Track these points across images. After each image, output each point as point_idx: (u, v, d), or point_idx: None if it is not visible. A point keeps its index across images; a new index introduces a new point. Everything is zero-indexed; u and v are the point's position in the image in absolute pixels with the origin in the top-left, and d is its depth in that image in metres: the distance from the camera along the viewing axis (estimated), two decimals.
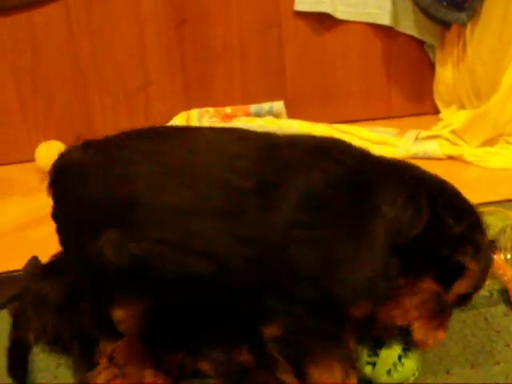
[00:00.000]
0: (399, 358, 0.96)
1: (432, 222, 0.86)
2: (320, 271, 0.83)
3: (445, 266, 0.86)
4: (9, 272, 1.51)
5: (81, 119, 2.39)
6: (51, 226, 1.78)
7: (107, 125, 2.40)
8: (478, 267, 0.89)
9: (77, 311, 1.06)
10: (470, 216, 0.92)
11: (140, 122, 2.40)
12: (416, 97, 2.44)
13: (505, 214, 1.28)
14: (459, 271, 0.88)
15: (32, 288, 1.19)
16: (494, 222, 1.20)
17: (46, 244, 1.61)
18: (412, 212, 0.85)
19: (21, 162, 2.34)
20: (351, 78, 2.43)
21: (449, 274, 0.88)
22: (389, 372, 0.97)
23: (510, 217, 1.27)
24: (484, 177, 1.87)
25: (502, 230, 1.22)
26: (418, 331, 0.90)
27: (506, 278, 1.21)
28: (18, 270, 1.48)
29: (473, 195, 1.70)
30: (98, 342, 1.03)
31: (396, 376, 0.97)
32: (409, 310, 0.87)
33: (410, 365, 0.97)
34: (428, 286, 0.86)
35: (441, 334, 0.92)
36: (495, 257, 1.23)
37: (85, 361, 1.05)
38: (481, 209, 1.37)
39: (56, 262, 1.20)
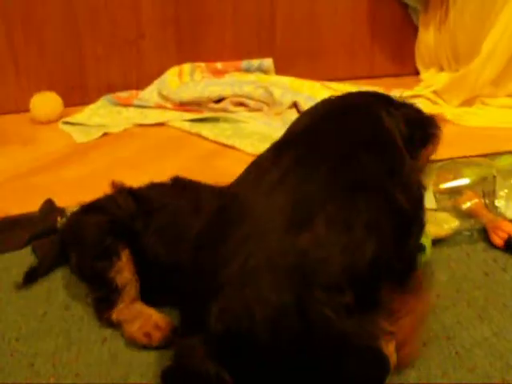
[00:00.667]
0: None
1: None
2: None
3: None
4: (22, 214, 1.58)
5: (73, 69, 2.43)
6: (54, 173, 1.87)
7: (99, 75, 2.46)
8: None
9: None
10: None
11: (132, 74, 2.48)
12: (398, 58, 2.57)
13: (488, 164, 1.42)
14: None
15: (72, 221, 1.30)
16: (478, 171, 1.34)
17: (51, 189, 1.71)
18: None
19: (14, 112, 2.40)
20: (337, 38, 2.54)
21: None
22: None
23: (493, 166, 1.42)
24: (462, 134, 2.01)
25: (485, 178, 1.37)
26: None
27: (485, 220, 1.37)
28: (32, 212, 1.57)
29: (452, 150, 1.86)
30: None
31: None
32: None
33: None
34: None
35: None
36: (476, 201, 1.39)
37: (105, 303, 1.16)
38: (467, 160, 1.52)
39: (94, 203, 1.28)
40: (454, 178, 1.40)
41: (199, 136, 2.08)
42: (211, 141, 2.03)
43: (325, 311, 0.70)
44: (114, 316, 1.15)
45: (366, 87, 2.31)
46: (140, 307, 1.16)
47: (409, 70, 2.55)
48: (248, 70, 2.43)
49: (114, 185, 1.32)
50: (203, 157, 1.94)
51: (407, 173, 0.98)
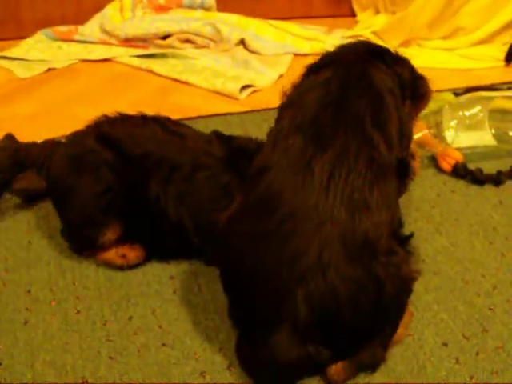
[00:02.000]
0: None
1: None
2: None
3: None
4: None
5: (6, 1, 2.32)
6: (3, 109, 1.82)
7: (35, 8, 2.35)
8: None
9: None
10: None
11: (72, 9, 2.40)
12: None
13: (441, 97, 1.56)
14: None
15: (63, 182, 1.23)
16: (431, 104, 1.48)
17: (2, 127, 1.66)
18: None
19: None
20: None
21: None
22: None
23: (445, 99, 1.56)
24: None
25: (437, 110, 1.51)
26: None
27: (434, 149, 1.52)
28: None
29: None
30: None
31: None
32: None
33: None
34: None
35: None
36: (426, 132, 1.53)
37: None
38: None
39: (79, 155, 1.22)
40: None
41: (150, 72, 2.08)
42: (163, 76, 2.04)
43: (400, 268, 0.90)
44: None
45: (309, 25, 2.39)
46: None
47: (345, 11, 2.63)
48: (190, 7, 2.43)
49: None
50: (157, 92, 1.96)
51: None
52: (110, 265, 1.20)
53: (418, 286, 1.10)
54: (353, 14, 2.61)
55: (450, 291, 1.14)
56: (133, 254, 1.19)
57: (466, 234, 1.29)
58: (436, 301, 1.12)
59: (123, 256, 1.19)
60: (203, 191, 1.15)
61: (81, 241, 1.21)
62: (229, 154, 1.18)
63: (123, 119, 1.26)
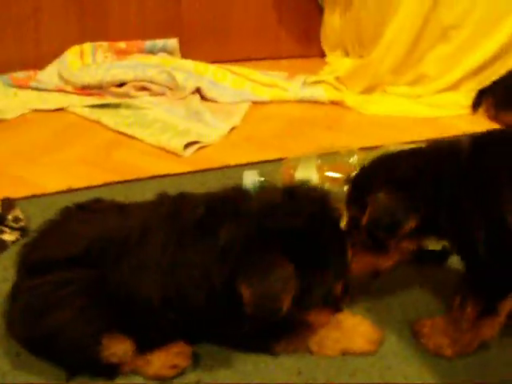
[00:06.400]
0: None
1: None
2: None
3: None
4: None
5: None
6: None
7: None
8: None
9: None
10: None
11: (29, 52, 2.35)
12: (304, 40, 2.58)
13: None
14: None
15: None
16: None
17: None
18: None
19: None
20: (244, 18, 2.51)
21: None
22: None
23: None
24: (363, 121, 2.06)
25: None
26: None
27: None
28: None
29: (352, 138, 1.90)
30: None
31: None
32: None
33: None
34: None
35: None
36: None
37: None
38: None
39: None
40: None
41: (99, 123, 2.01)
42: (111, 129, 1.97)
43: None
44: (123, 370, 1.06)
45: (270, 72, 2.31)
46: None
47: (315, 51, 2.56)
48: (151, 51, 2.37)
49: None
50: (102, 147, 1.88)
51: None
52: (161, 379, 1.05)
53: None
54: (323, 54, 2.53)
55: None
56: (183, 358, 1.06)
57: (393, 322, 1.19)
58: None
59: (174, 366, 1.05)
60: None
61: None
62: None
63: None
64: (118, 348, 1.02)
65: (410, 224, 1.02)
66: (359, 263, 1.10)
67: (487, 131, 1.08)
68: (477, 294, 1.03)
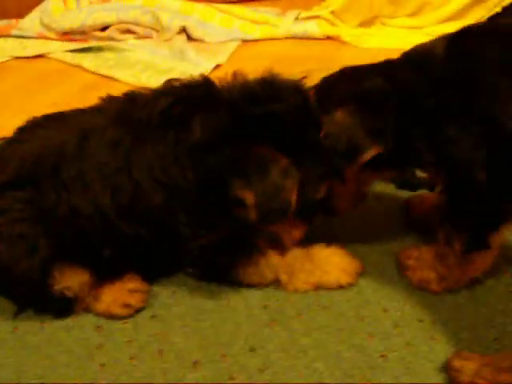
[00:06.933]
0: None
1: None
2: None
3: None
4: None
5: None
6: None
7: None
8: None
9: None
10: None
11: (12, 2, 2.26)
12: None
13: None
14: None
15: None
16: None
17: None
18: None
19: None
20: None
21: None
22: None
23: None
24: (359, 56, 1.91)
25: None
26: None
27: None
28: None
29: None
30: None
31: None
32: None
33: None
34: None
35: None
36: None
37: None
38: None
39: None
40: None
41: (80, 68, 1.91)
42: (92, 72, 1.87)
43: None
44: (76, 309, 0.96)
45: (264, 8, 2.17)
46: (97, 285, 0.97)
47: None
48: None
49: None
50: (81, 90, 1.78)
51: None
52: (111, 317, 0.96)
53: (296, 325, 0.91)
54: None
55: (338, 331, 0.92)
56: (137, 297, 0.96)
57: (374, 255, 1.07)
58: (315, 344, 0.90)
59: (126, 305, 0.95)
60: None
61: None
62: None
63: None
64: (73, 280, 0.92)
65: (372, 151, 0.87)
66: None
67: (461, 28, 0.89)
68: (466, 228, 0.89)
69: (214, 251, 0.93)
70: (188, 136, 0.82)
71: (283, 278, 0.98)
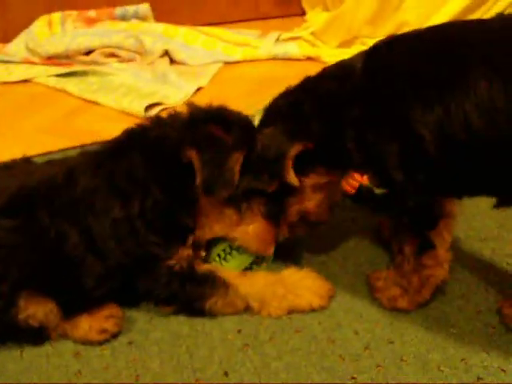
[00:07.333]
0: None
1: None
2: None
3: None
4: None
5: None
6: None
7: None
8: None
9: None
10: None
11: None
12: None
13: None
14: None
15: None
16: None
17: None
18: None
19: None
20: None
21: None
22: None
23: None
24: None
25: None
26: None
27: None
28: None
29: None
30: None
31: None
32: None
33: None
34: None
35: None
36: None
37: None
38: None
39: None
40: None
41: (65, 92, 1.93)
42: (76, 97, 1.90)
43: None
44: (51, 336, 0.98)
45: (246, 30, 2.21)
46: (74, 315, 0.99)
47: (295, 10, 2.44)
48: (123, 18, 2.28)
49: None
50: (65, 115, 1.81)
51: None
52: (89, 343, 0.98)
53: (269, 349, 0.93)
54: (303, 13, 2.42)
55: (309, 354, 0.94)
56: (112, 322, 0.98)
57: (347, 276, 1.09)
58: (287, 367, 0.92)
59: (103, 331, 0.98)
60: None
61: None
62: None
63: None
64: (38, 310, 0.94)
65: (295, 148, 0.93)
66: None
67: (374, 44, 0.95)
68: (409, 230, 0.94)
69: (182, 281, 0.98)
70: None
71: (255, 305, 1.00)
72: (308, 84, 0.98)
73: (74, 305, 0.98)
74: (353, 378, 0.90)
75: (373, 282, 1.04)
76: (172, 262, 0.98)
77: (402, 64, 0.88)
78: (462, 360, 0.92)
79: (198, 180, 0.92)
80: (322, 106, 0.93)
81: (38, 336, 0.97)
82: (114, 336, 0.99)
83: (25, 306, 0.93)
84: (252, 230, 1.01)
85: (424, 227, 0.93)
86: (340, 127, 0.91)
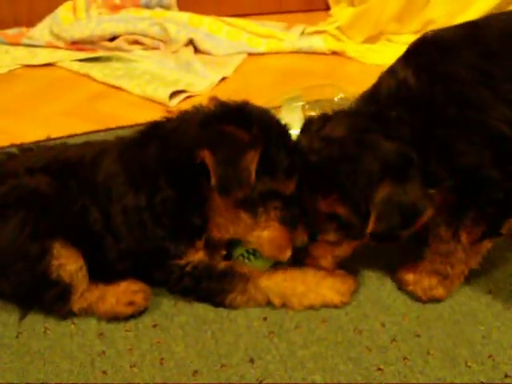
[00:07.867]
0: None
1: None
2: None
3: None
4: None
5: None
6: None
7: None
8: None
9: None
10: None
11: (24, 10, 2.29)
12: None
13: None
14: None
15: None
16: None
17: None
18: None
19: None
20: None
21: None
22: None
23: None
24: (364, 72, 1.93)
25: None
26: None
27: None
28: None
29: (354, 88, 1.78)
30: None
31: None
32: None
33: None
34: None
35: None
36: None
37: None
38: None
39: None
40: None
41: (87, 77, 1.93)
42: (99, 82, 1.90)
43: None
44: (76, 306, 0.99)
45: (270, 22, 2.21)
46: (101, 285, 1.01)
47: (319, 5, 2.43)
48: (148, 6, 2.27)
49: None
50: (88, 99, 1.81)
51: None
52: (116, 318, 0.99)
53: (295, 338, 0.93)
54: (328, 8, 2.40)
55: (336, 344, 0.94)
56: (141, 296, 0.99)
57: (375, 270, 1.08)
58: (313, 356, 0.92)
59: (131, 303, 0.98)
60: None
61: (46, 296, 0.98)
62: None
63: None
64: (69, 262, 0.96)
65: (429, 212, 0.90)
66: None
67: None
68: (487, 218, 0.95)
69: (196, 279, 1.00)
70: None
71: (275, 300, 1.00)
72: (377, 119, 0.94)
73: (100, 272, 0.99)
74: (379, 369, 0.89)
75: (402, 276, 1.03)
76: (182, 262, 0.98)
77: (459, 65, 0.89)
78: (490, 356, 0.91)
79: (213, 180, 0.89)
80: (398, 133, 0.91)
81: (63, 298, 0.97)
82: (140, 313, 0.99)
83: (57, 253, 0.95)
84: (267, 235, 0.98)
85: (507, 215, 0.96)
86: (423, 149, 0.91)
